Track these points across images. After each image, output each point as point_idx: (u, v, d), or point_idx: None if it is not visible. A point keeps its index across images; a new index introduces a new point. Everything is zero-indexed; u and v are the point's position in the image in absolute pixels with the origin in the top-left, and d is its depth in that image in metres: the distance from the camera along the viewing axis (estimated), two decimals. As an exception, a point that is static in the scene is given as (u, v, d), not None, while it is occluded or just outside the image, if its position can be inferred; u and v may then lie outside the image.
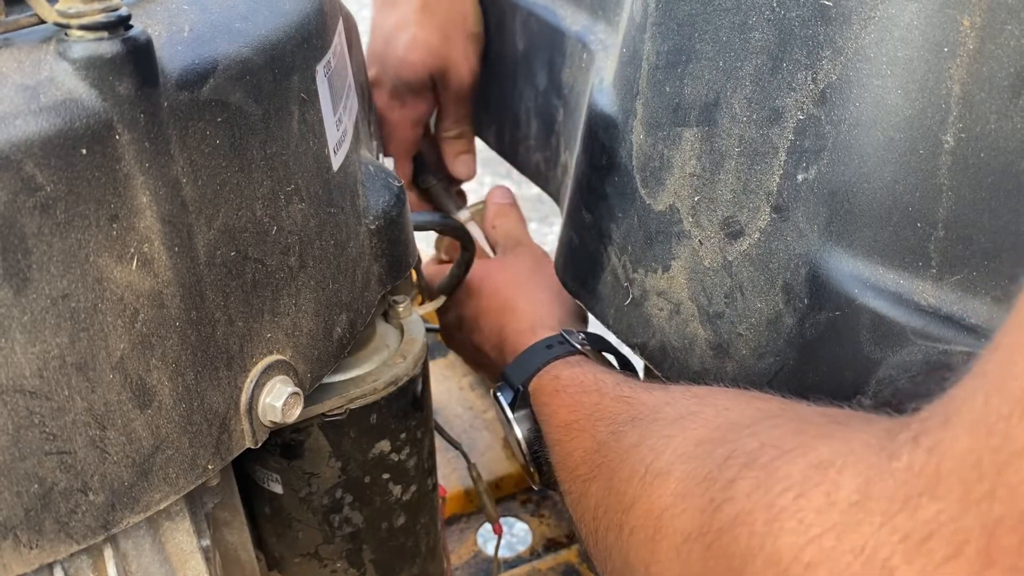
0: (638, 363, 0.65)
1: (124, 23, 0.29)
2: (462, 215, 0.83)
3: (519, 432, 0.59)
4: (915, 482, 0.26)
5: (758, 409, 0.38)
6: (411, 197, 0.85)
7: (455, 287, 0.70)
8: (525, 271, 0.71)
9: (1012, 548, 0.23)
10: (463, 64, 0.78)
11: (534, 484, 0.61)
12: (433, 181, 0.86)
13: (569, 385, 0.55)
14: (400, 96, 0.79)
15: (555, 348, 0.59)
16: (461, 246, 0.67)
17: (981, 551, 0.23)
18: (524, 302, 0.67)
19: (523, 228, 0.78)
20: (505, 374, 0.61)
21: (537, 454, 0.58)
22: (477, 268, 0.70)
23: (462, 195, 0.92)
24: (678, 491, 0.36)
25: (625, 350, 0.58)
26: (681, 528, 0.35)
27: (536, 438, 0.58)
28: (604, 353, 0.61)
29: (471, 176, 0.85)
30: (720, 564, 0.32)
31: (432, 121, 0.86)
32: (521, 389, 0.58)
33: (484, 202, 0.84)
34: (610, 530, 0.42)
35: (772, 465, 0.32)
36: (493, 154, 0.86)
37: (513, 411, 0.60)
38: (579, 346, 0.59)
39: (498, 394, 0.61)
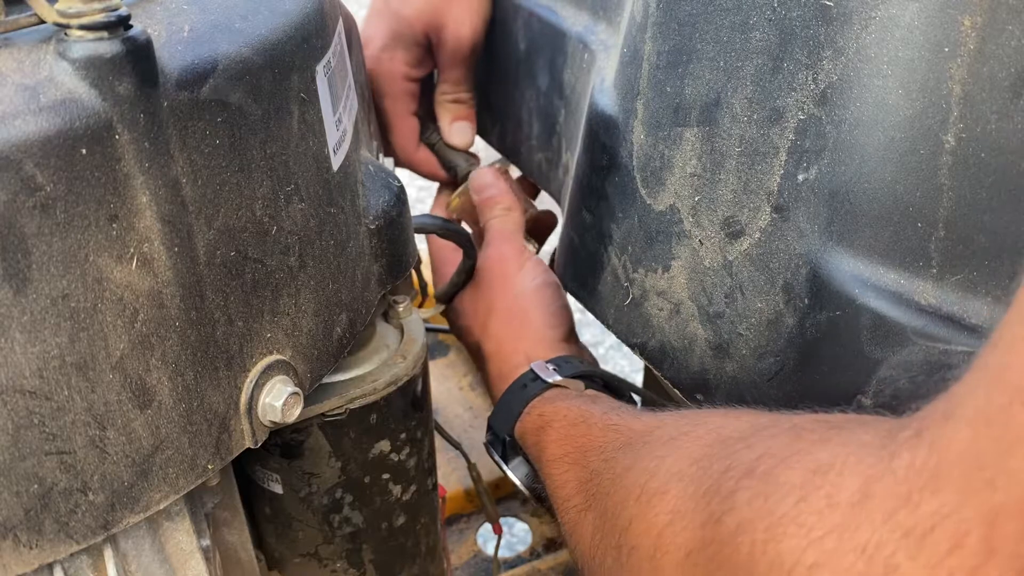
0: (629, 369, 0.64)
1: (124, 23, 0.29)
2: (474, 174, 0.80)
3: (517, 480, 0.60)
4: (916, 478, 0.26)
5: (749, 423, 0.38)
6: (422, 154, 0.81)
7: (454, 295, 0.70)
8: (488, 301, 0.67)
9: (1012, 535, 0.23)
10: (463, 24, 0.75)
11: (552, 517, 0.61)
12: (438, 137, 0.82)
13: (554, 420, 0.54)
14: (391, 49, 0.76)
15: (529, 387, 0.58)
16: (463, 253, 0.66)
17: (983, 540, 0.23)
18: (491, 344, 0.65)
19: (505, 220, 0.72)
20: (490, 424, 0.61)
21: (540, 494, 0.58)
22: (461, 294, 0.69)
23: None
24: (676, 508, 0.36)
25: (617, 364, 0.58)
26: (683, 544, 0.35)
27: (535, 480, 0.58)
28: (581, 377, 0.60)
29: (468, 145, 0.82)
30: (724, 574, 0.32)
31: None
32: (508, 438, 0.58)
33: (500, 160, 0.81)
34: (608, 553, 0.42)
35: (771, 473, 0.32)
36: (494, 152, 0.85)
37: (506, 460, 0.60)
38: (551, 380, 0.58)
39: (489, 447, 0.61)
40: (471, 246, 0.66)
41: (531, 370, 0.59)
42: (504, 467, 0.60)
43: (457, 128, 0.81)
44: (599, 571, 0.43)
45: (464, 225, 0.77)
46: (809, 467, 0.30)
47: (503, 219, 0.72)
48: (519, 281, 0.67)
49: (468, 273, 0.68)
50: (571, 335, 0.66)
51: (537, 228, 0.79)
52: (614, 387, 0.62)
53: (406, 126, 0.80)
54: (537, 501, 0.59)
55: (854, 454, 0.29)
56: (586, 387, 0.60)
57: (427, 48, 0.77)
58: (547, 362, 0.60)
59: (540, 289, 0.66)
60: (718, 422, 0.40)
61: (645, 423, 0.46)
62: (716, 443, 0.37)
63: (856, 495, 0.27)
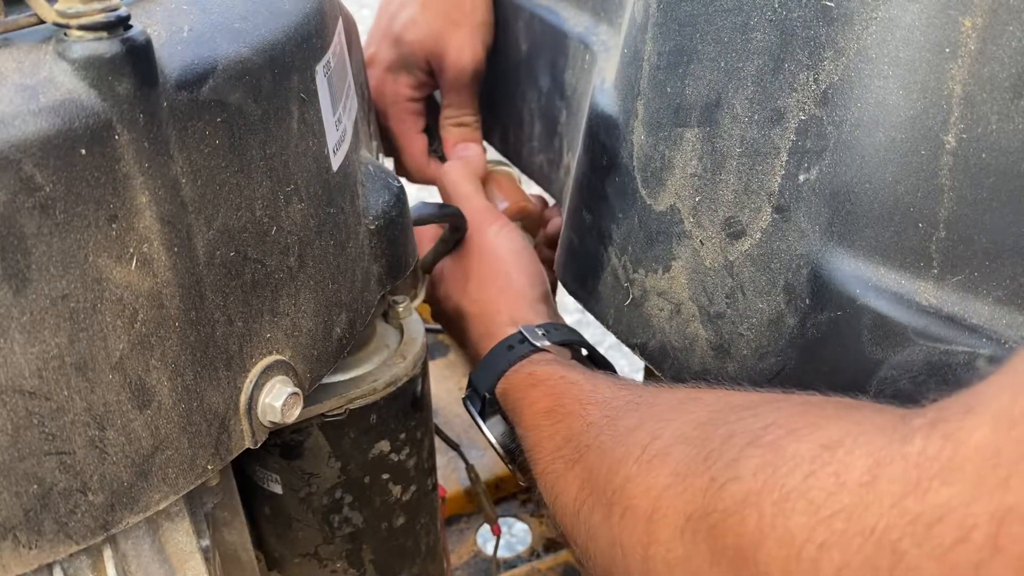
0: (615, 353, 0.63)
1: (123, 23, 0.29)
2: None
3: (491, 436, 0.59)
4: (928, 466, 0.26)
5: (760, 395, 0.38)
6: (435, 168, 0.82)
7: (434, 263, 0.70)
8: (466, 265, 0.67)
9: (1020, 537, 0.23)
10: (464, 51, 0.76)
11: (520, 481, 0.61)
12: (442, 154, 0.84)
13: (550, 378, 0.53)
14: (395, 72, 0.78)
15: (516, 348, 0.58)
16: (451, 226, 0.67)
17: (989, 537, 0.23)
18: (473, 306, 0.65)
19: (468, 182, 0.73)
20: (471, 381, 0.60)
21: (513, 454, 0.58)
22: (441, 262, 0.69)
23: None
24: (677, 471, 0.36)
25: (617, 364, 0.58)
26: (682, 508, 0.35)
27: (511, 439, 0.58)
28: (568, 345, 0.60)
29: None
30: (728, 545, 0.31)
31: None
32: (489, 395, 0.58)
33: (500, 162, 0.82)
34: (596, 510, 0.41)
35: (779, 444, 0.31)
36: (494, 153, 0.85)
37: (484, 418, 0.59)
38: (539, 344, 0.58)
39: (467, 402, 0.61)
40: (464, 222, 0.66)
41: (520, 332, 0.59)
42: (480, 423, 0.59)
43: (459, 151, 0.82)
44: (582, 526, 0.43)
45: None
46: (819, 441, 0.30)
47: (466, 180, 0.72)
48: (497, 244, 0.67)
49: (455, 243, 0.68)
50: (548, 297, 0.66)
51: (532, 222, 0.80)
52: (598, 360, 0.62)
53: (415, 145, 0.82)
54: (508, 460, 0.59)
55: (864, 433, 0.29)
56: (572, 356, 0.60)
57: (430, 72, 0.78)
58: (536, 326, 0.59)
59: (518, 252, 0.66)
60: (727, 391, 0.40)
61: (655, 388, 0.45)
62: (723, 409, 0.37)
63: (865, 476, 0.27)
